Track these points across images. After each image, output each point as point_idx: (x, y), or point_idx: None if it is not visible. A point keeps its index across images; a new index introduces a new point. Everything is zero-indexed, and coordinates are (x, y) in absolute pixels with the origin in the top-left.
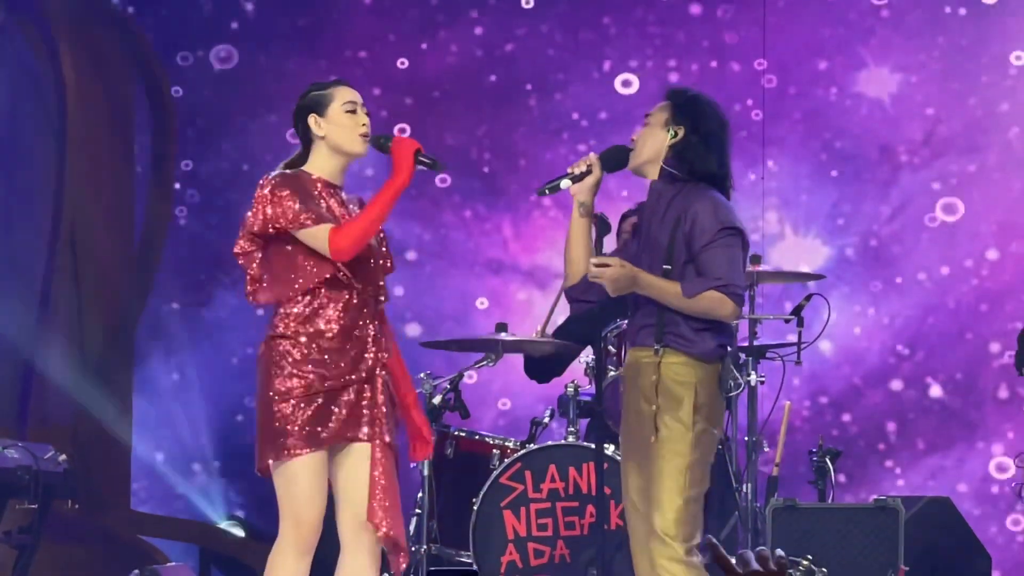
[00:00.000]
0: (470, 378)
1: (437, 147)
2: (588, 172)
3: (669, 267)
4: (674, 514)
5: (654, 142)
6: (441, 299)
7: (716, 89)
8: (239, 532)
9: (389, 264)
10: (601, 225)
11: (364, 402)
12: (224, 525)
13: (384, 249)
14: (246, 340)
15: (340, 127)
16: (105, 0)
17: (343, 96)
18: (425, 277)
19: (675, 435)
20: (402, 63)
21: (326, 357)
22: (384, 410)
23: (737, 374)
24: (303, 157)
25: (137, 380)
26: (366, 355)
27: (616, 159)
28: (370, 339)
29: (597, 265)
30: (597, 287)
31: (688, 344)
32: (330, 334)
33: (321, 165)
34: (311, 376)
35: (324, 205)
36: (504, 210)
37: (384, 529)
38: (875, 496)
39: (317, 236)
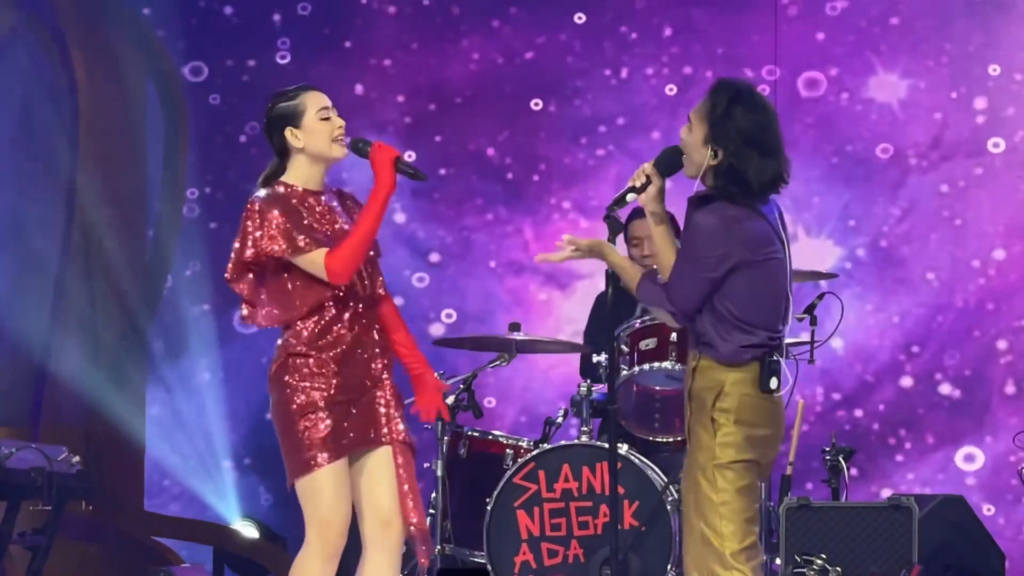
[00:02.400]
0: (487, 375)
1: (459, 153)
2: (648, 182)
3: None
4: (714, 516)
5: (699, 158)
6: (464, 299)
7: None
8: (253, 532)
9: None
10: (614, 225)
11: (378, 405)
12: (238, 525)
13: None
14: (239, 340)
15: (317, 135)
16: (117, 2)
17: (315, 103)
18: (448, 278)
19: (702, 439)
20: (425, 71)
21: (340, 368)
22: (395, 410)
23: (776, 375)
24: (280, 168)
25: (152, 381)
26: (375, 361)
27: (670, 164)
28: (376, 344)
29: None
30: None
31: (713, 349)
32: (341, 346)
33: (301, 174)
34: (328, 388)
35: (310, 216)
36: (524, 213)
37: (417, 525)
38: (888, 494)
39: (314, 262)
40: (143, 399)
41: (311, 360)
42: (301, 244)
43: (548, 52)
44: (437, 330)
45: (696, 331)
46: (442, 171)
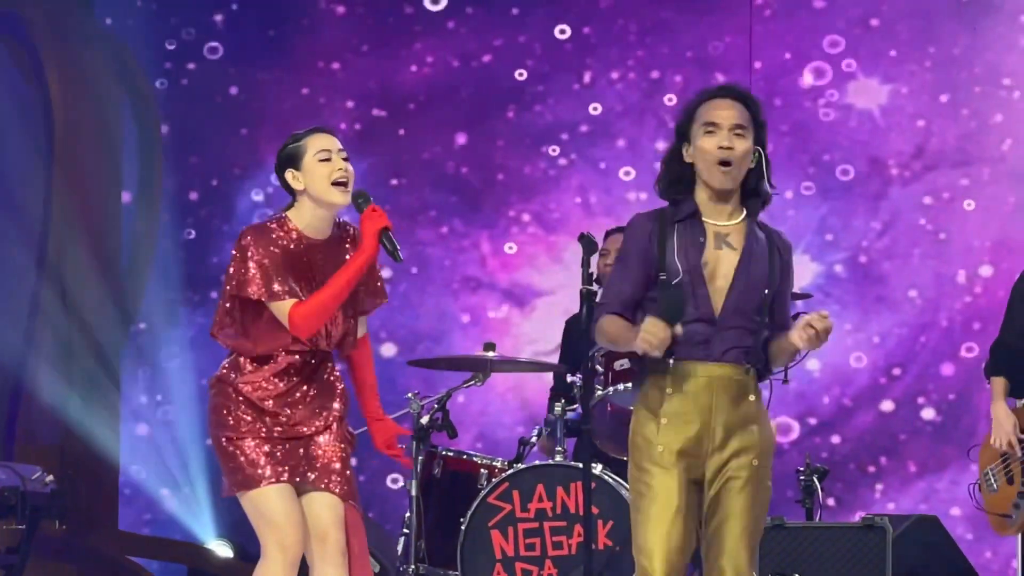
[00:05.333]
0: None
1: (412, 162)
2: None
3: (768, 291)
4: (752, 550)
5: (744, 166)
6: (417, 318)
7: None
8: (227, 552)
9: (378, 300)
10: (588, 244)
11: (318, 452)
12: (212, 545)
13: (371, 285)
14: (214, 359)
15: (315, 177)
16: (92, 22)
17: (316, 144)
18: (400, 295)
19: (766, 483)
20: (376, 75)
21: (278, 410)
22: (339, 460)
23: None
24: (292, 206)
25: (124, 400)
26: (321, 412)
27: (679, 310)
28: (326, 396)
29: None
30: None
31: (764, 377)
32: (284, 394)
33: (304, 218)
34: (263, 428)
35: (296, 263)
36: (482, 226)
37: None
38: (862, 515)
39: (281, 310)
40: (118, 418)
41: (250, 393)
42: (276, 290)
43: (507, 55)
44: (388, 350)
45: (755, 344)
46: (394, 181)
